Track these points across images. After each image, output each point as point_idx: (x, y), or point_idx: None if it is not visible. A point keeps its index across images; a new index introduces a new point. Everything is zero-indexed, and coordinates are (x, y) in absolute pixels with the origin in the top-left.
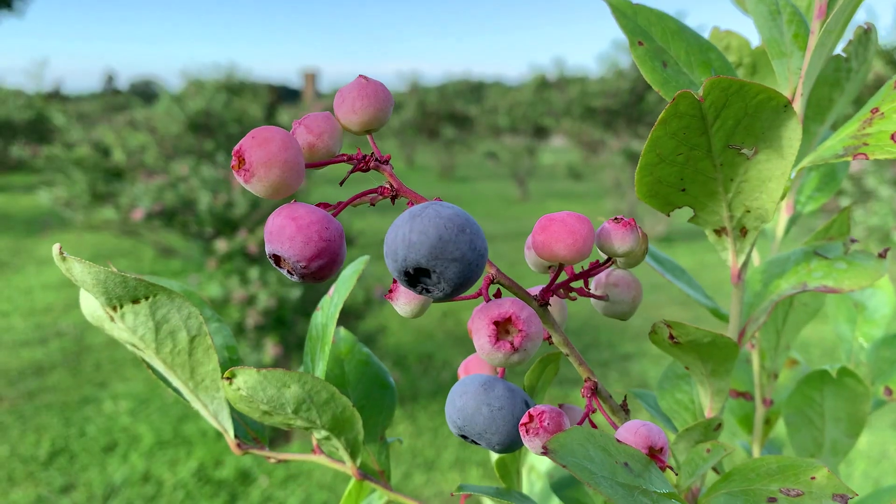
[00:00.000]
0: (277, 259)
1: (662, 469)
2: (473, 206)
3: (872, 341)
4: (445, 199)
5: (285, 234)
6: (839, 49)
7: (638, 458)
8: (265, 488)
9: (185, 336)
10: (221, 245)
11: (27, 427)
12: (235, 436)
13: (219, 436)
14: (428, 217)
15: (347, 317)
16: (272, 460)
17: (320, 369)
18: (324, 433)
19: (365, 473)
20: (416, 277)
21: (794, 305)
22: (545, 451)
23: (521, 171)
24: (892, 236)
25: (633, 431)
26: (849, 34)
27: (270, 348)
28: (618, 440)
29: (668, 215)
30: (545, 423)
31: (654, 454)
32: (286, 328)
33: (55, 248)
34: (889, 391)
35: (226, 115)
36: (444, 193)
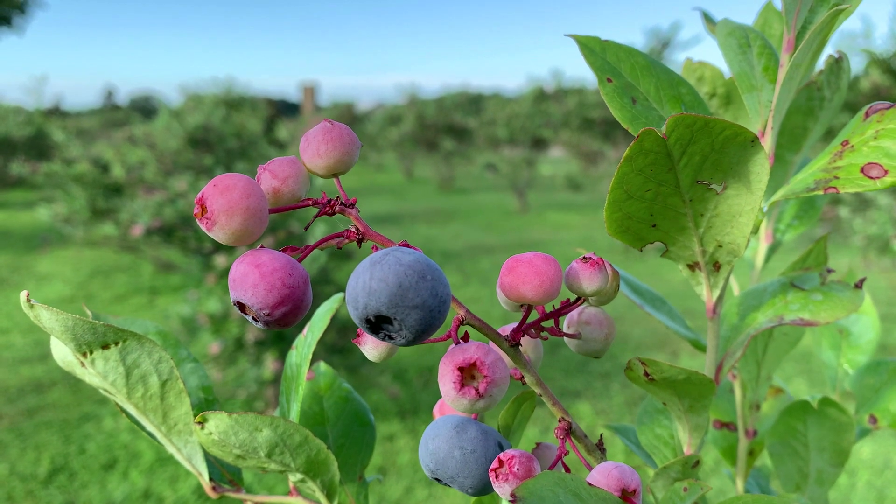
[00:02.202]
0: (242, 307)
1: None
2: (473, 218)
3: (857, 368)
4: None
5: (248, 281)
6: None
7: (610, 501)
8: None
9: (157, 380)
10: (221, 260)
11: (27, 445)
12: (210, 479)
13: None
14: (388, 264)
15: (348, 331)
16: (248, 503)
17: (294, 411)
18: (299, 476)
19: None
20: (377, 325)
21: (773, 336)
22: (513, 500)
23: (520, 182)
24: (891, 245)
25: (606, 474)
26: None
27: (270, 363)
28: (590, 483)
29: (641, 250)
30: (514, 469)
31: (627, 496)
32: (286, 343)
33: (22, 295)
34: (874, 419)
35: (225, 129)
36: (444, 205)
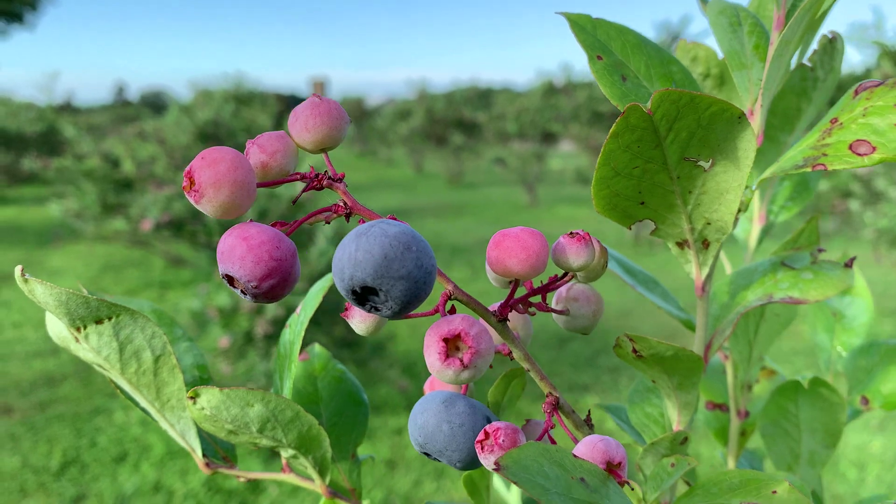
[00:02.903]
0: (231, 279)
1: (621, 484)
2: (482, 213)
3: (850, 350)
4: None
5: (236, 254)
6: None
7: (595, 473)
8: (275, 497)
9: (150, 356)
10: None
11: (39, 438)
12: (204, 455)
13: None
14: (373, 235)
15: None
16: (241, 479)
17: (287, 387)
18: (291, 452)
19: (335, 492)
20: (363, 296)
21: (765, 316)
22: (497, 468)
23: (530, 176)
24: None
25: (591, 446)
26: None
27: None
28: (575, 456)
29: (630, 228)
30: (500, 440)
31: (613, 469)
32: None
33: (17, 269)
34: (865, 401)
35: (234, 124)
36: (453, 200)
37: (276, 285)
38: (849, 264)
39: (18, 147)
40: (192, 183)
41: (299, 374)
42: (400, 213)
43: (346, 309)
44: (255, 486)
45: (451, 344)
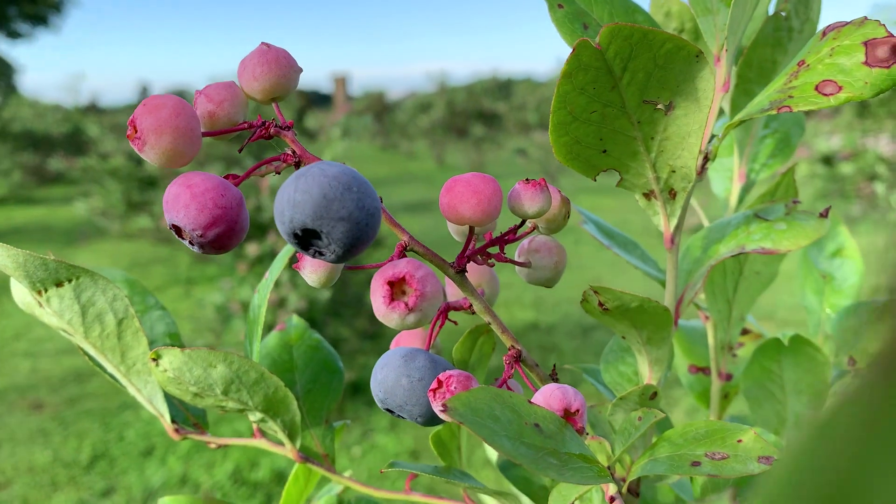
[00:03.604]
0: (179, 230)
1: (579, 431)
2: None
3: (839, 311)
4: None
5: (180, 202)
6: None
7: (551, 419)
8: None
9: (113, 319)
10: (252, 249)
11: (69, 433)
12: (173, 420)
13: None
14: (312, 175)
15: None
16: (213, 445)
17: (255, 350)
18: (259, 415)
19: (306, 457)
20: (305, 240)
21: (744, 274)
22: (444, 410)
23: (552, 167)
24: None
25: (548, 394)
26: None
27: None
28: (531, 403)
29: (595, 180)
30: (452, 388)
31: (570, 416)
32: (318, 329)
33: None
34: (853, 361)
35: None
36: None
37: (221, 234)
38: (824, 214)
39: (46, 148)
40: (135, 130)
41: (276, 343)
42: (422, 205)
43: (298, 259)
44: (280, 479)
45: (397, 287)
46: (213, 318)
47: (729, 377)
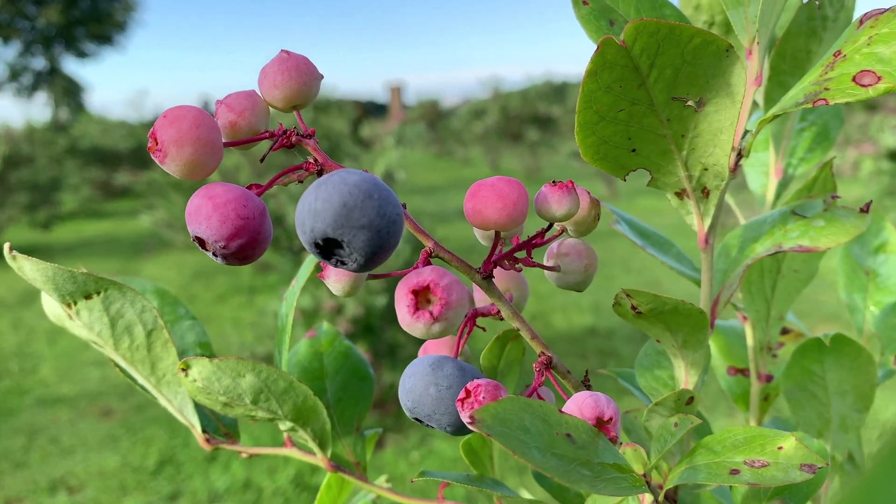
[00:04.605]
0: (202, 242)
1: (612, 441)
2: None
3: (883, 308)
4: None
5: (202, 213)
6: None
7: (583, 429)
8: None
9: (142, 330)
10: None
11: (137, 439)
12: (204, 430)
13: None
14: (332, 184)
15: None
16: (244, 455)
17: (284, 359)
18: (289, 424)
19: (338, 465)
20: (327, 249)
21: (783, 272)
22: (472, 422)
23: None
24: None
25: (580, 402)
26: None
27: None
28: (562, 412)
29: (625, 179)
30: (480, 397)
31: (603, 425)
32: (374, 335)
33: (5, 247)
34: None
35: None
36: (531, 196)
37: (245, 245)
38: (864, 209)
39: (112, 163)
40: (155, 142)
41: (306, 351)
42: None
43: (322, 269)
44: None
45: (421, 296)
46: (274, 325)
47: (769, 378)
